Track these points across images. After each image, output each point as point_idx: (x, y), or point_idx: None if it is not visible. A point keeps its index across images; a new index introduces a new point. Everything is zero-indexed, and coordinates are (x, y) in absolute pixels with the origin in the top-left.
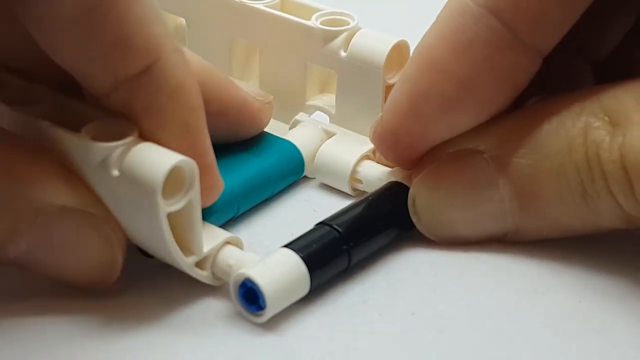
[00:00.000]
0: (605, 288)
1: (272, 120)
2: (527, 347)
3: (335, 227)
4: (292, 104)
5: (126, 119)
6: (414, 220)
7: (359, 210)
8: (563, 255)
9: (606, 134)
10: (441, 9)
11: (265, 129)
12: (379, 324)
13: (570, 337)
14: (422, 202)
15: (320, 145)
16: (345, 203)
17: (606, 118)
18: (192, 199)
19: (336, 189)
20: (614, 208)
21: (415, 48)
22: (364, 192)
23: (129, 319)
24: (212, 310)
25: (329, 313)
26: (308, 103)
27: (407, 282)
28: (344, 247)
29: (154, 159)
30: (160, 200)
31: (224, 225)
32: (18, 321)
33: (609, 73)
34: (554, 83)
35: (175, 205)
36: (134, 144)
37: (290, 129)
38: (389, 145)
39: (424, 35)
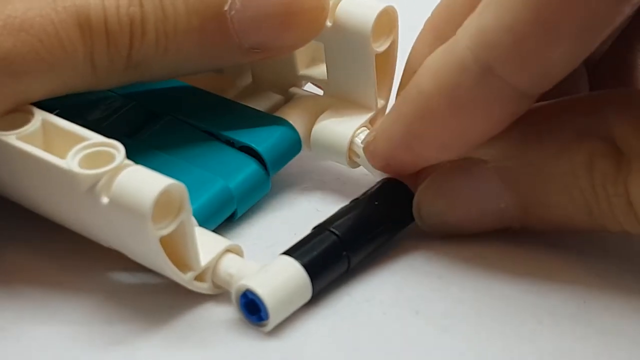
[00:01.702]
0: (610, 289)
1: (266, 92)
2: (530, 348)
3: (333, 230)
4: (284, 76)
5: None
6: (419, 223)
7: (355, 212)
8: (567, 256)
9: (611, 165)
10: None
11: (259, 99)
12: (383, 324)
13: (574, 338)
14: (426, 208)
15: (316, 119)
16: (347, 202)
17: (612, 144)
18: (184, 220)
19: (337, 189)
20: (619, 227)
21: (410, 84)
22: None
23: (131, 324)
24: (214, 316)
25: (332, 314)
26: (300, 74)
27: (410, 282)
28: (344, 252)
29: (142, 184)
30: (151, 226)
31: (226, 226)
32: (19, 322)
33: (602, 74)
34: None
35: (167, 229)
36: (120, 168)
37: (285, 102)
38: (382, 165)
39: (420, 73)
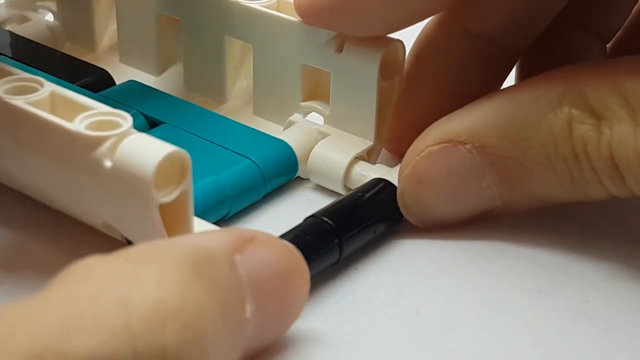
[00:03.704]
0: (612, 288)
1: (266, 121)
2: (532, 347)
3: (325, 219)
4: (287, 105)
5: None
6: (404, 212)
7: (345, 204)
8: (569, 255)
9: (591, 128)
10: None
11: (259, 129)
12: (384, 324)
13: (575, 337)
14: (410, 196)
15: (314, 146)
16: None
17: (589, 110)
18: (185, 190)
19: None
20: (603, 192)
21: None
22: None
23: None
24: None
25: (334, 313)
26: (303, 104)
27: (412, 282)
28: (335, 240)
29: (147, 149)
30: (153, 191)
31: (224, 226)
32: None
33: (618, 49)
34: (566, 61)
35: (168, 197)
36: (126, 134)
37: (284, 129)
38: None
39: None
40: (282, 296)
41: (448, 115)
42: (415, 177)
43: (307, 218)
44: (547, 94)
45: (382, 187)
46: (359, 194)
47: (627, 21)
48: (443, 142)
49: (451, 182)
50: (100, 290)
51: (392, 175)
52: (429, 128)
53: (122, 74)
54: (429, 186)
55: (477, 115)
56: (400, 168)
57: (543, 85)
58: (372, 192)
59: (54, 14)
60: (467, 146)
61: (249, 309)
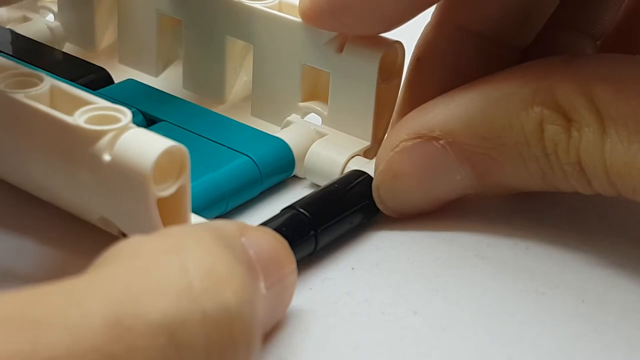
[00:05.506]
0: (608, 288)
1: (264, 121)
2: (529, 348)
3: (302, 210)
4: (285, 106)
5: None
6: (379, 206)
7: (324, 195)
8: (565, 255)
9: (562, 130)
10: None
11: (257, 128)
12: (382, 323)
13: (572, 338)
14: (385, 190)
15: (311, 145)
16: None
17: (560, 111)
18: (183, 185)
19: None
20: (572, 189)
21: None
22: None
23: None
24: None
25: (332, 313)
26: (301, 104)
27: (409, 282)
28: (311, 232)
29: (146, 144)
30: (151, 184)
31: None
32: None
33: (607, 48)
34: None
35: (166, 191)
36: (125, 129)
37: (281, 129)
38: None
39: None
40: (280, 280)
41: (422, 107)
42: (390, 172)
43: (284, 209)
44: (519, 92)
45: (358, 178)
46: (336, 185)
47: (617, 20)
48: (417, 138)
49: (425, 176)
50: (156, 260)
51: (370, 167)
52: (402, 120)
53: (121, 74)
54: (404, 180)
55: (451, 111)
56: (375, 162)
57: (516, 82)
58: (348, 183)
59: (54, 15)
60: (441, 142)
61: (262, 285)
